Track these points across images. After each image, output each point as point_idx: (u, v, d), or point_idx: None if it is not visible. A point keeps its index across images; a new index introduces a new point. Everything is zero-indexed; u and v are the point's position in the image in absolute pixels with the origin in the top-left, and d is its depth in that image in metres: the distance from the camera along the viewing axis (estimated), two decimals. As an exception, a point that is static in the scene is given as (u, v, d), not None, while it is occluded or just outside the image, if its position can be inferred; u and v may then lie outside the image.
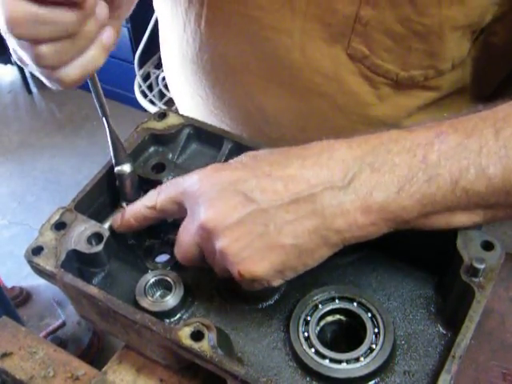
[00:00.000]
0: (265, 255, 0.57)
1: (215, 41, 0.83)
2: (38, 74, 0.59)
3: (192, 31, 0.85)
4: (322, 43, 0.76)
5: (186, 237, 0.61)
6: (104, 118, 0.67)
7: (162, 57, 1.05)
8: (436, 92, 0.79)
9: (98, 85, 0.65)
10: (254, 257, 0.57)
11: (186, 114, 0.79)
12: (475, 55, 0.76)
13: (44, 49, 0.54)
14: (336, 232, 0.56)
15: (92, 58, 0.57)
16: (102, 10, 0.56)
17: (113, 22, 0.60)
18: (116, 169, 0.69)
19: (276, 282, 0.59)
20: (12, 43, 0.57)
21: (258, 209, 0.56)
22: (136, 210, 0.66)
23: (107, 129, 0.68)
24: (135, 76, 2.76)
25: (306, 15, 0.74)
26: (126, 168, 0.70)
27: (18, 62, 0.61)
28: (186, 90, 0.96)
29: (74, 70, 0.57)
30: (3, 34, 0.56)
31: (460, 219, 0.58)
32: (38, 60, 0.55)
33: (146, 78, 2.83)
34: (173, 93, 1.07)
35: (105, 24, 0.57)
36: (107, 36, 0.58)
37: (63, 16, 0.53)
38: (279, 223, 0.56)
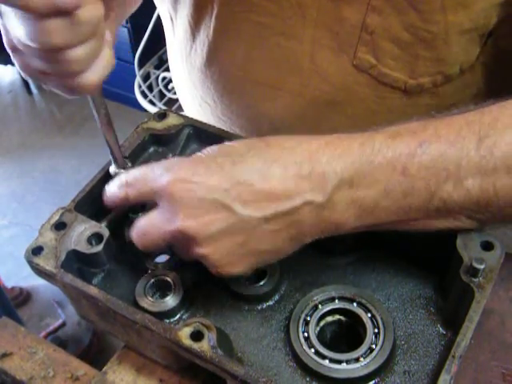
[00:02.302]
0: (244, 260, 0.60)
1: (224, 50, 0.83)
2: (55, 85, 0.59)
3: (201, 41, 0.85)
4: (330, 53, 0.76)
5: (155, 232, 0.61)
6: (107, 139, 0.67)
7: (169, 64, 1.04)
8: (445, 99, 0.79)
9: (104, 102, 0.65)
10: (233, 261, 0.60)
11: None
12: (484, 60, 0.75)
13: (74, 53, 0.53)
14: (312, 236, 0.60)
15: (107, 58, 0.58)
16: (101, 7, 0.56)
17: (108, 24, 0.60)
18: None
19: (248, 273, 0.63)
20: (28, 58, 0.56)
21: (239, 220, 0.57)
22: (112, 196, 0.66)
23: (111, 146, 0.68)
24: (135, 76, 2.76)
25: (317, 23, 0.74)
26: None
27: (33, 77, 0.60)
28: (193, 97, 0.96)
29: (96, 72, 0.57)
30: (13, 49, 0.56)
31: (442, 225, 0.59)
32: (67, 66, 0.54)
33: (146, 78, 2.82)
34: (180, 99, 1.07)
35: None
36: (108, 34, 0.58)
37: (95, 12, 0.53)
38: (260, 233, 0.58)
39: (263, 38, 0.78)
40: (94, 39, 0.54)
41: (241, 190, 0.57)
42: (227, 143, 0.61)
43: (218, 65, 0.85)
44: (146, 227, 0.62)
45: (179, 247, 0.62)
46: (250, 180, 0.57)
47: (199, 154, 0.61)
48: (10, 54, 0.59)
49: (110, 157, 0.69)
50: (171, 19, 0.91)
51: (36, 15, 0.49)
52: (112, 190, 0.65)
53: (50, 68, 0.55)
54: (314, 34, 0.75)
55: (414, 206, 0.56)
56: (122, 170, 0.69)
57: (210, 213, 0.57)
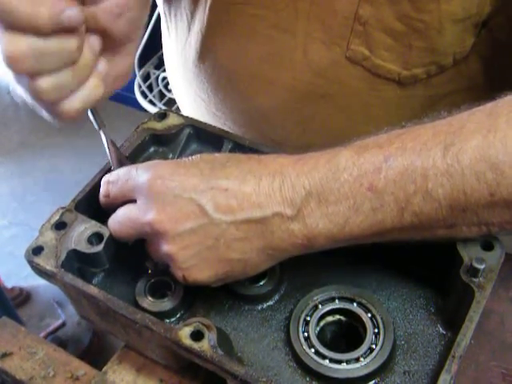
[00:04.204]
0: (211, 265, 0.60)
1: (218, 42, 0.83)
2: (38, 109, 0.60)
3: (195, 34, 0.85)
4: (322, 46, 0.76)
5: (129, 222, 0.62)
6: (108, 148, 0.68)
7: (164, 60, 1.05)
8: (439, 90, 0.79)
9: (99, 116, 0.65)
10: (200, 265, 0.60)
11: (189, 116, 0.79)
12: (479, 51, 0.75)
13: (44, 82, 0.54)
14: (282, 251, 0.59)
15: (91, 88, 0.58)
16: (94, 40, 0.57)
17: (121, 58, 0.62)
18: None
19: (215, 285, 0.63)
20: (11, 79, 0.57)
21: (209, 223, 0.58)
22: (100, 194, 0.68)
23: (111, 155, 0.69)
24: (135, 76, 2.76)
25: (309, 16, 0.74)
26: None
27: (18, 99, 0.61)
28: (188, 92, 0.96)
29: (74, 103, 0.58)
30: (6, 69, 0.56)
31: (421, 235, 0.59)
32: (38, 94, 0.55)
33: (146, 78, 2.82)
34: (175, 95, 1.08)
35: (98, 55, 0.59)
36: (102, 66, 0.59)
37: (63, 44, 0.53)
38: (229, 239, 0.58)
39: (256, 31, 0.79)
40: (68, 70, 0.55)
41: (215, 193, 0.58)
42: (211, 154, 0.64)
43: (212, 58, 0.86)
44: (121, 217, 0.64)
45: (149, 243, 0.63)
46: (225, 185, 0.58)
47: (183, 158, 0.64)
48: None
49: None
50: (167, 14, 0.91)
51: (7, 31, 0.50)
52: (100, 188, 0.67)
53: (28, 94, 0.56)
54: (306, 26, 0.75)
55: (386, 221, 0.56)
56: None
57: (182, 211, 0.58)
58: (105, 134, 0.68)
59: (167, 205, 0.59)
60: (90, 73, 0.58)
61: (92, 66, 0.58)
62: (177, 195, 0.59)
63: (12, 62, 0.51)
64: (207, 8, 0.80)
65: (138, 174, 0.62)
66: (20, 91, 0.57)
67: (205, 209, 0.58)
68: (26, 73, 0.53)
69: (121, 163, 0.69)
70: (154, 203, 0.59)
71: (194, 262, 0.60)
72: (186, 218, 0.58)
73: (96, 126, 0.67)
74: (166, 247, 0.60)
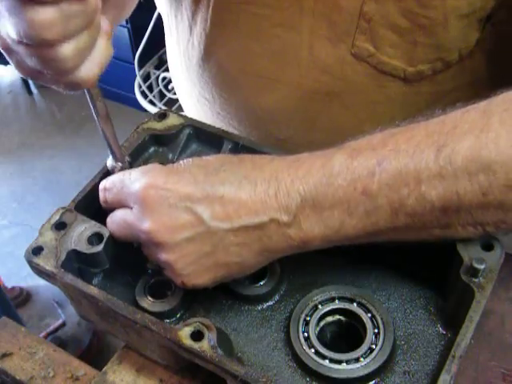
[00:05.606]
0: (209, 270, 0.60)
1: (222, 42, 0.83)
2: (52, 83, 0.58)
3: (198, 34, 0.85)
4: (328, 43, 0.76)
5: (127, 227, 0.63)
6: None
7: (168, 60, 1.05)
8: (444, 86, 0.79)
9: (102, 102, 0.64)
10: (198, 271, 0.60)
11: (192, 116, 0.79)
12: (483, 46, 0.75)
13: (67, 48, 0.52)
14: (278, 252, 0.60)
15: (103, 49, 0.57)
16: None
17: (108, 13, 0.60)
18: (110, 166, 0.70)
19: (213, 285, 0.63)
20: (22, 56, 0.55)
21: (207, 231, 0.58)
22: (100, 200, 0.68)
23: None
24: (135, 76, 2.76)
25: (314, 13, 0.74)
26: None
27: (29, 76, 0.59)
28: (192, 93, 0.96)
29: (92, 68, 0.56)
30: (7, 49, 0.55)
31: (417, 235, 0.59)
32: (61, 63, 0.53)
33: (146, 78, 2.83)
34: (178, 96, 1.07)
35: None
36: (106, 24, 0.57)
37: (86, 5, 0.51)
38: (227, 244, 0.59)
39: (261, 30, 0.78)
40: (87, 32, 0.53)
41: (211, 201, 0.58)
42: (203, 157, 0.63)
43: (216, 58, 0.85)
44: (119, 219, 0.64)
45: (146, 249, 0.63)
46: (221, 192, 0.58)
47: (176, 164, 0.63)
48: (4, 55, 0.59)
49: (108, 151, 0.69)
50: (168, 14, 0.91)
51: (28, 4, 0.48)
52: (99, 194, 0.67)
53: (44, 66, 0.55)
54: (311, 24, 0.75)
55: (380, 223, 0.57)
56: (120, 164, 0.69)
57: (178, 220, 0.58)
58: (105, 122, 0.66)
59: (163, 215, 0.59)
60: (99, 33, 0.56)
61: (100, 25, 0.56)
62: (172, 204, 0.59)
63: (40, 31, 0.49)
64: (210, 8, 0.80)
65: (131, 182, 0.62)
66: (36, 64, 0.54)
67: (201, 217, 0.58)
68: (53, 40, 0.51)
69: (119, 155, 0.69)
70: (150, 213, 0.59)
71: (193, 269, 0.60)
72: (183, 227, 0.58)
73: (95, 116, 0.65)
74: (165, 256, 0.60)
